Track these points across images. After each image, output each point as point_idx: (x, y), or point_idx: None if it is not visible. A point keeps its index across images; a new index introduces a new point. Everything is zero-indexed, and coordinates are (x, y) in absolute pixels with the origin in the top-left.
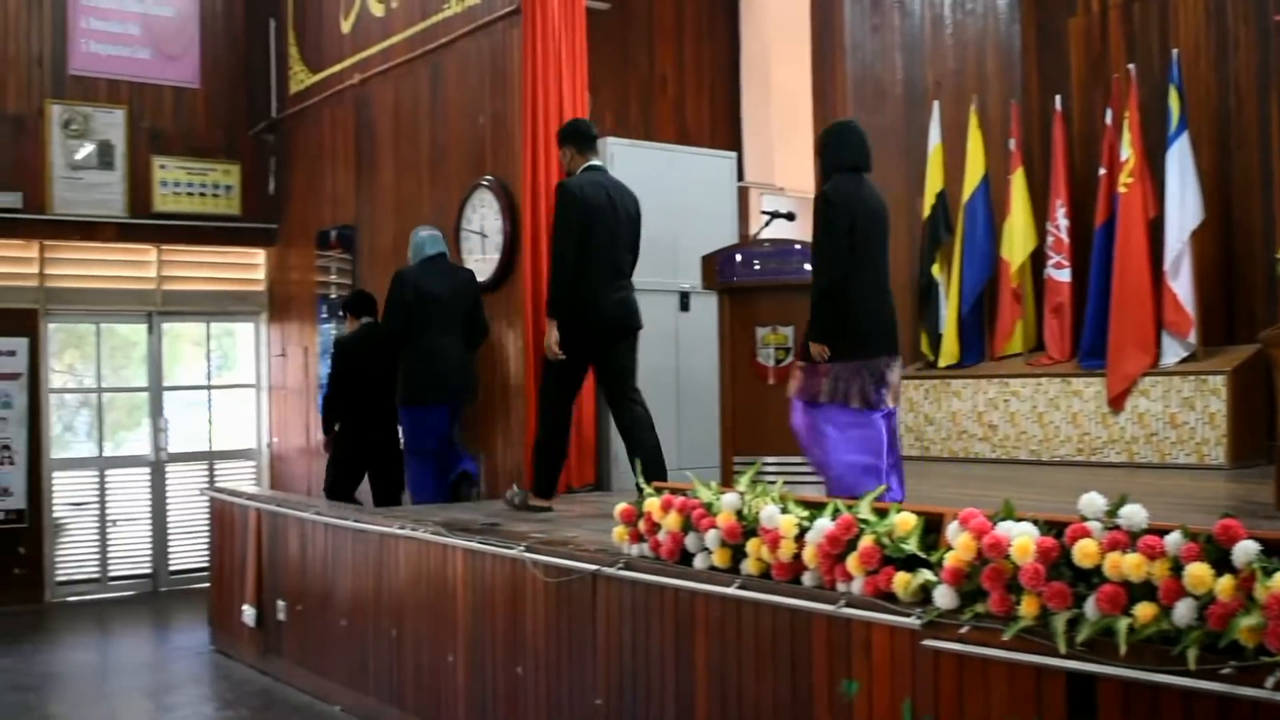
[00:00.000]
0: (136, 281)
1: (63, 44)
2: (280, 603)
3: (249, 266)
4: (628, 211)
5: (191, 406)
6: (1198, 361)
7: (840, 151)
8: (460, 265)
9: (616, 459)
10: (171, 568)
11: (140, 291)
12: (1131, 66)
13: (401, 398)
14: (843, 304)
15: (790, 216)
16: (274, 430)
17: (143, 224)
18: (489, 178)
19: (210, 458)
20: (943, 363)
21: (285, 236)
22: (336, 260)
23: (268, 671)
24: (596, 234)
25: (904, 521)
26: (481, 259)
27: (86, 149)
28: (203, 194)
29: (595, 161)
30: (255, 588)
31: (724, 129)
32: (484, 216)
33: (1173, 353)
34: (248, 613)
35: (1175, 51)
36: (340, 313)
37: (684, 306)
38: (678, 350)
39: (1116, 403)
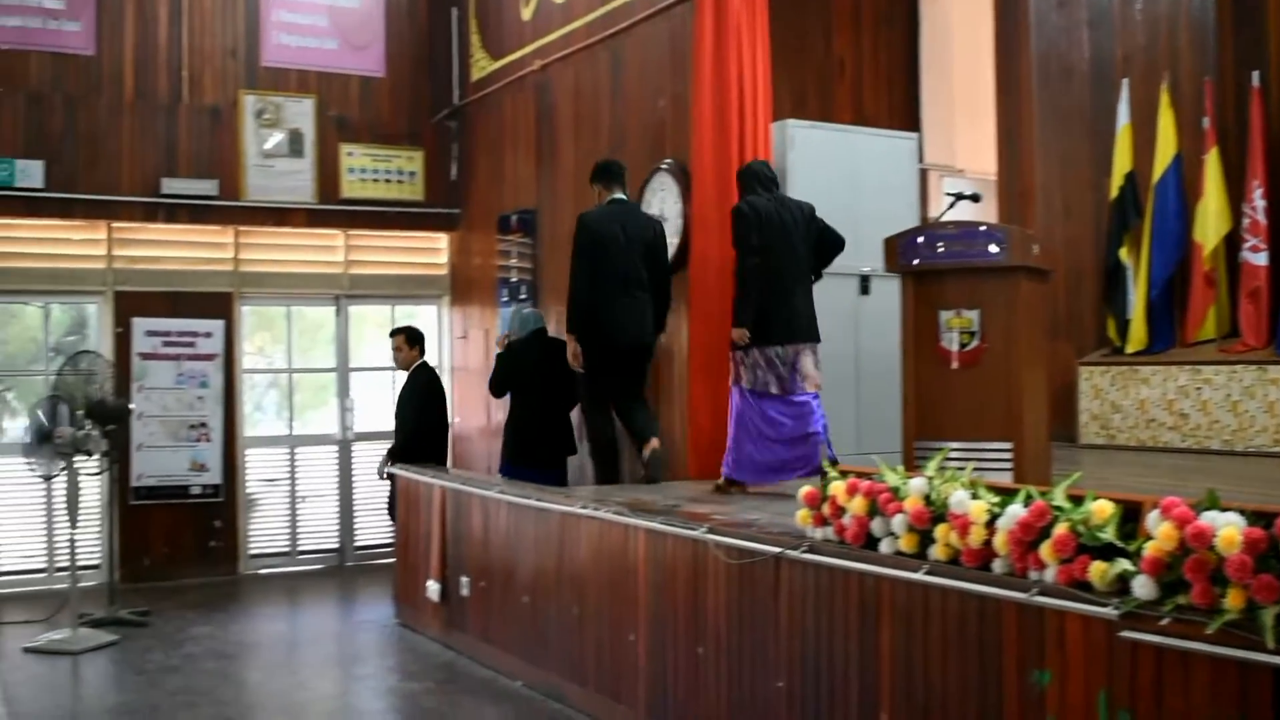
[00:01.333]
0: (325, 265)
1: (255, 37)
2: (463, 579)
3: (432, 251)
4: (642, 236)
5: (375, 387)
6: None
7: (749, 181)
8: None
9: None
10: (357, 543)
11: (328, 275)
12: None
13: None
14: (756, 296)
15: (975, 198)
16: (455, 410)
17: (331, 210)
18: (668, 161)
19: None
20: (1130, 349)
21: (467, 221)
22: (517, 244)
23: (451, 645)
24: (608, 257)
25: (1101, 509)
26: None
27: (277, 138)
28: (388, 180)
29: (619, 195)
30: (439, 564)
31: (902, 112)
32: (663, 200)
33: None
34: (432, 588)
35: None
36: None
37: (864, 290)
38: (857, 334)
39: None
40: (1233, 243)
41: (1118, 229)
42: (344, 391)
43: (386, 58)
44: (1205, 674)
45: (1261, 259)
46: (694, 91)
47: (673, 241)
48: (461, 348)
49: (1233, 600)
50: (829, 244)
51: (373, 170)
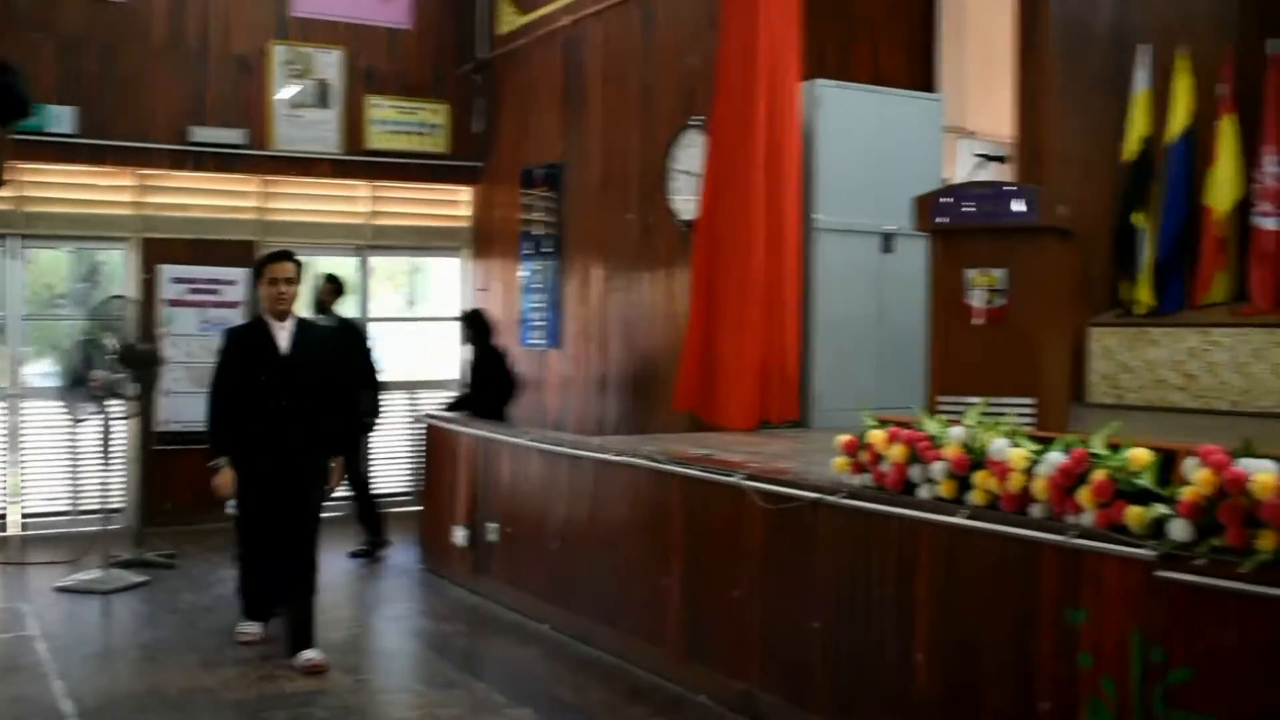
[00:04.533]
0: (348, 216)
1: None
2: (491, 524)
3: (454, 204)
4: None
5: (391, 337)
6: None
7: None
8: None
9: (819, 397)
10: (375, 490)
11: (352, 226)
12: None
13: None
14: None
15: (1002, 159)
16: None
17: (356, 160)
18: (698, 118)
19: (412, 386)
20: (1140, 310)
21: (490, 174)
22: (541, 198)
23: (477, 590)
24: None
25: (1138, 456)
26: (689, 198)
27: (297, 88)
28: (412, 132)
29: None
30: (467, 510)
31: (920, 72)
32: (692, 157)
33: None
34: (459, 534)
35: None
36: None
37: (887, 248)
38: (880, 291)
39: None
40: (1244, 208)
41: (1132, 193)
42: None
43: (414, 9)
44: (1237, 612)
45: (1272, 224)
46: (721, 48)
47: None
48: (482, 299)
49: (1266, 542)
50: None
51: (397, 122)
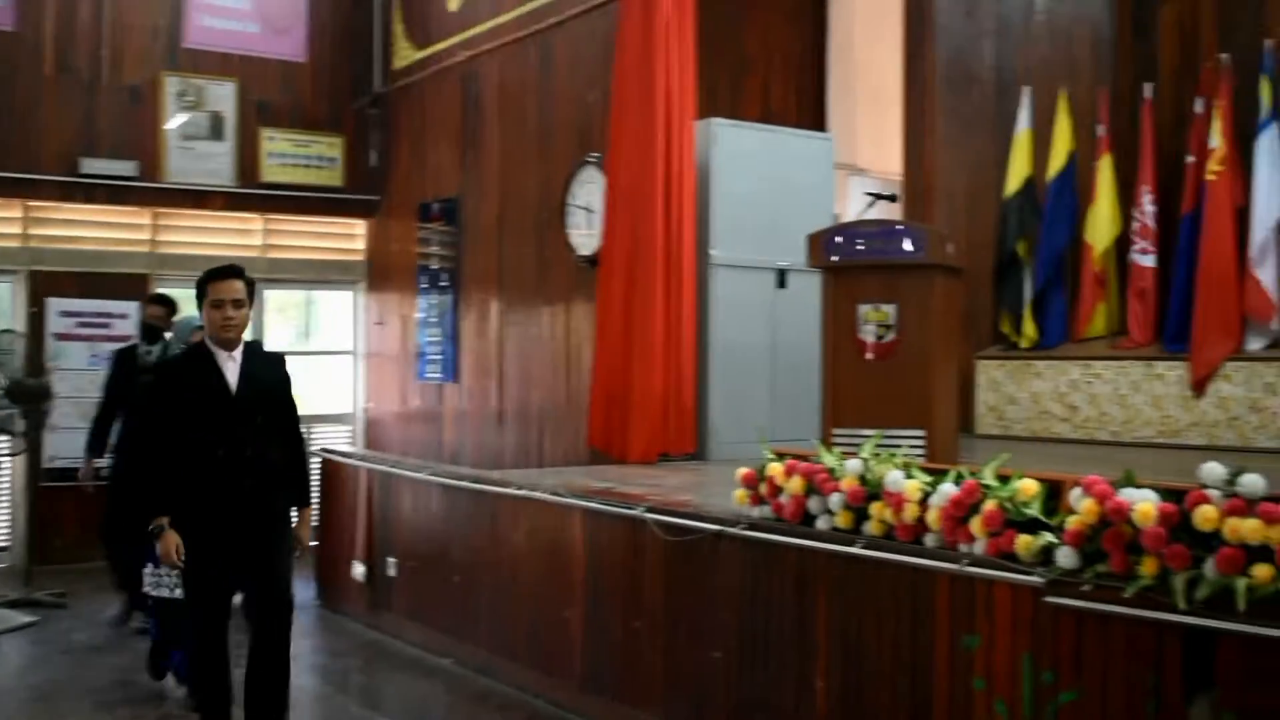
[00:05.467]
0: (242, 249)
1: (177, 17)
2: (390, 559)
3: (350, 237)
4: None
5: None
6: None
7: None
8: None
9: (715, 430)
10: None
11: (246, 259)
12: (1224, 56)
13: None
14: None
15: (892, 198)
16: (370, 395)
17: (250, 193)
18: (595, 155)
19: (308, 420)
20: (1024, 344)
21: (386, 208)
22: (438, 232)
23: (376, 625)
24: None
25: (1027, 487)
26: (588, 234)
27: (184, 118)
28: (307, 165)
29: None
30: (366, 545)
31: (809, 110)
32: (590, 193)
33: (1257, 338)
34: (357, 569)
35: (1267, 42)
36: None
37: (781, 284)
38: (774, 326)
39: (1199, 387)
40: (1122, 245)
41: (1014, 229)
42: None
43: (308, 42)
44: (1122, 635)
45: (1149, 261)
46: (616, 86)
47: (600, 232)
48: (378, 334)
49: (1147, 568)
50: None
51: (293, 155)
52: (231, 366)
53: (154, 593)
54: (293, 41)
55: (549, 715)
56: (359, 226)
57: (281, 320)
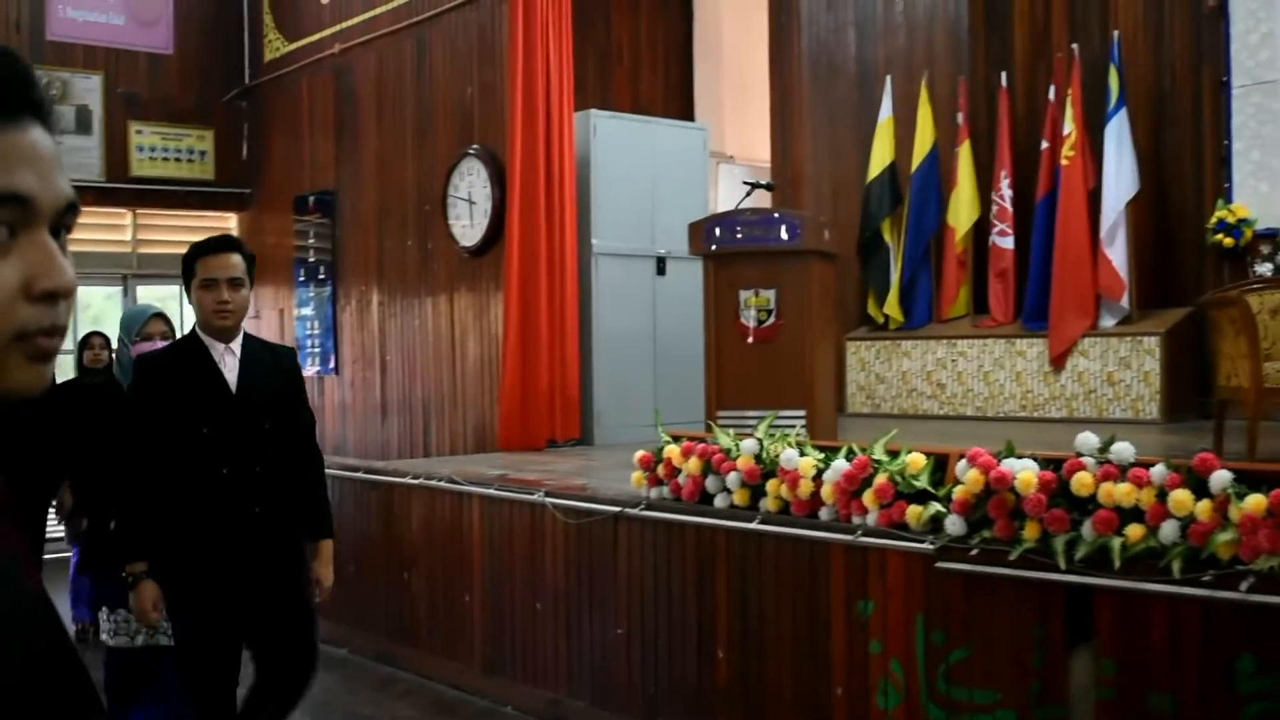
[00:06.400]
0: (113, 245)
1: (40, 10)
2: None
3: (222, 230)
4: None
5: None
6: (1134, 324)
7: None
8: None
9: (600, 415)
10: None
11: (116, 254)
12: (1074, 46)
13: None
14: None
15: (770, 187)
16: None
17: (119, 188)
18: (476, 146)
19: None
20: (891, 325)
21: (260, 201)
22: (315, 225)
23: None
24: None
25: (915, 461)
26: (469, 225)
27: (64, 113)
28: (178, 159)
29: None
30: None
31: (677, 100)
32: (471, 184)
33: (1110, 315)
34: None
35: (1116, 33)
36: None
37: (660, 271)
38: (655, 312)
39: (1058, 362)
40: (982, 228)
41: (877, 214)
42: None
43: (175, 34)
44: (1008, 595)
45: (1008, 243)
46: (509, 80)
47: (481, 224)
48: (253, 328)
49: (1030, 532)
50: None
51: (162, 149)
52: (230, 362)
53: (111, 642)
54: (160, 33)
55: (452, 699)
56: (232, 220)
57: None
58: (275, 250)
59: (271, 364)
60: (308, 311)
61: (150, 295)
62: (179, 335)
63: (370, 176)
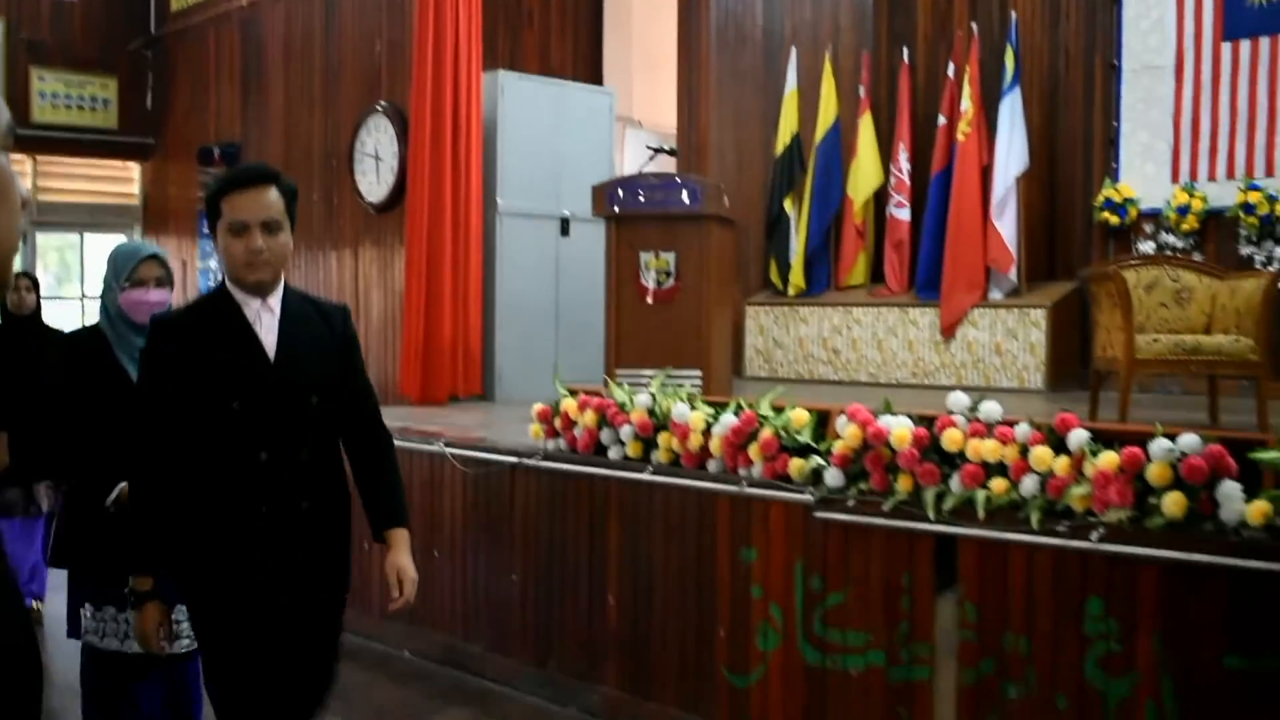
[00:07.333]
0: None
1: None
2: None
3: (124, 180)
4: None
5: (57, 317)
6: (1021, 296)
7: None
8: None
9: (501, 372)
10: None
11: None
12: (974, 25)
13: None
14: None
15: (673, 152)
16: None
17: (19, 134)
18: (384, 103)
19: None
20: (791, 292)
21: (163, 151)
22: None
23: None
24: None
25: (799, 416)
26: (375, 182)
27: None
28: (80, 107)
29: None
30: None
31: (586, 64)
32: (379, 141)
33: (999, 288)
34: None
35: (1014, 14)
36: None
37: (564, 232)
38: (558, 273)
39: (948, 331)
40: (881, 199)
41: (782, 183)
42: None
43: None
44: (881, 543)
45: (905, 214)
46: (416, 38)
47: (389, 180)
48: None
49: (903, 484)
50: None
51: (65, 96)
52: (268, 321)
53: (99, 644)
54: None
55: (351, 645)
56: (134, 169)
57: (54, 264)
58: (179, 201)
59: (320, 325)
60: (213, 264)
61: (49, 245)
62: (174, 283)
63: (276, 130)
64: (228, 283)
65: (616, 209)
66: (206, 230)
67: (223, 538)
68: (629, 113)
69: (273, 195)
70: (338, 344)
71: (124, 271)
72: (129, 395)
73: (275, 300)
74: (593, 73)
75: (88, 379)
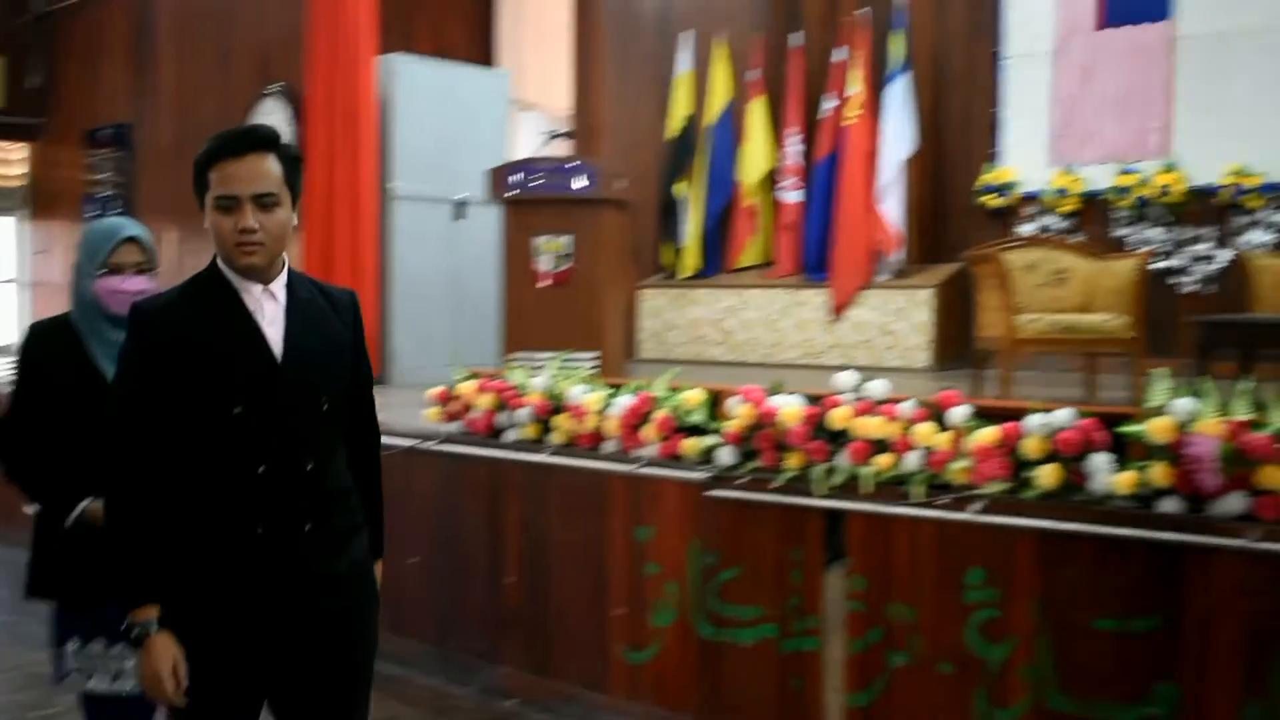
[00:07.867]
0: None
1: None
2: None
3: (7, 162)
4: None
5: None
6: (909, 277)
7: None
8: None
9: (398, 356)
10: None
11: None
12: (863, 10)
13: None
14: None
15: (570, 135)
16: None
17: None
18: (277, 85)
19: None
20: (684, 274)
21: (50, 133)
22: (109, 158)
23: None
24: None
25: (692, 397)
26: None
27: None
28: None
29: None
30: None
31: (479, 46)
32: (272, 124)
33: (887, 269)
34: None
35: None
36: None
37: (459, 215)
38: (453, 256)
39: (838, 312)
40: (772, 182)
41: (675, 166)
42: None
43: None
44: (773, 519)
45: (795, 197)
46: (310, 19)
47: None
48: (44, 262)
49: (793, 461)
50: None
51: None
52: (272, 310)
53: (95, 687)
54: None
55: None
56: (20, 151)
57: None
58: (66, 184)
59: (329, 314)
60: None
61: None
62: (157, 269)
63: (168, 111)
64: (220, 264)
65: (512, 192)
66: (94, 213)
67: (210, 564)
68: (523, 95)
69: (269, 164)
70: (348, 337)
71: (98, 255)
72: (104, 397)
73: (279, 287)
74: (486, 54)
75: (54, 378)
